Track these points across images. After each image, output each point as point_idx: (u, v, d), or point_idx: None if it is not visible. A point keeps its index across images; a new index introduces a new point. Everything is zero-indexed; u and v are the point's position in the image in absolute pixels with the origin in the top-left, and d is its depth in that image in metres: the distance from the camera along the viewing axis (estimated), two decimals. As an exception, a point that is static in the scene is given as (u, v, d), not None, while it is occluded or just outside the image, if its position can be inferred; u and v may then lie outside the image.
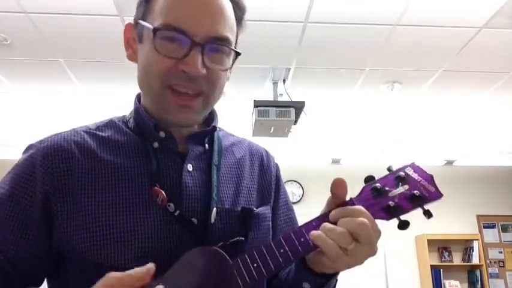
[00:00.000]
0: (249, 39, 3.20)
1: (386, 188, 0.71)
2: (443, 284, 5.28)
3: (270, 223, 0.84)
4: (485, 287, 5.28)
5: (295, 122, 3.43)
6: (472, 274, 5.40)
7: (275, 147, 4.74)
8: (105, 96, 3.81)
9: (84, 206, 0.70)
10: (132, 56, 0.80)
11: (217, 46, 0.73)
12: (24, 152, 0.76)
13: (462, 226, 5.51)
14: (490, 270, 5.42)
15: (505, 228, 5.67)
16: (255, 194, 0.85)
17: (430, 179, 0.71)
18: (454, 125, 4.54)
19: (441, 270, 5.31)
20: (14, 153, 4.42)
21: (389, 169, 0.73)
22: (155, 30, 0.71)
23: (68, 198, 0.70)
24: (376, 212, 0.69)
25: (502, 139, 4.94)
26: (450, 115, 4.28)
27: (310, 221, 0.70)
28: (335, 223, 0.66)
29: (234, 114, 4.13)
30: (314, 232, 0.66)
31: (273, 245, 0.68)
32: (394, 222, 0.70)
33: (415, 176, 0.71)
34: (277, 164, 0.95)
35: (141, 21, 0.76)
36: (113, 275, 0.60)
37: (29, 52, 3.09)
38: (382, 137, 4.89)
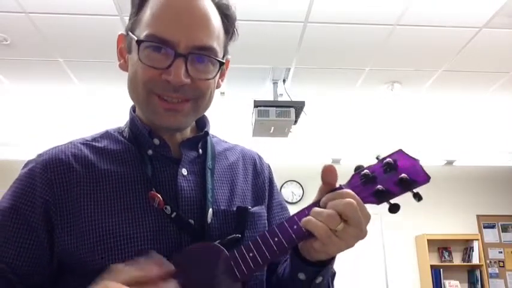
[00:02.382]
0: (249, 39, 3.21)
1: (375, 174, 0.72)
2: (443, 284, 5.28)
3: (266, 222, 0.86)
4: (485, 287, 5.29)
5: (295, 122, 3.43)
6: (472, 274, 5.40)
7: (275, 147, 4.75)
8: (105, 96, 3.81)
9: (83, 214, 0.72)
10: (124, 66, 0.83)
11: (201, 56, 0.73)
12: (24, 166, 0.79)
13: (462, 226, 5.52)
14: (490, 270, 5.42)
15: (505, 228, 5.67)
16: (249, 195, 0.87)
17: (417, 163, 0.72)
18: (454, 125, 4.55)
19: (441, 270, 5.32)
20: (14, 153, 4.41)
21: (377, 157, 0.75)
22: (139, 42, 0.73)
23: (67, 207, 0.72)
24: (366, 197, 0.71)
25: (502, 139, 4.95)
26: (450, 115, 4.28)
27: (303, 209, 0.72)
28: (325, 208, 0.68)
29: (234, 114, 4.13)
30: (304, 218, 0.68)
31: (267, 234, 0.70)
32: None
33: (402, 161, 0.73)
34: (269, 166, 0.98)
35: (129, 33, 0.78)
36: (115, 266, 0.63)
37: (29, 52, 3.09)
38: (382, 137, 4.89)
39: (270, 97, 3.57)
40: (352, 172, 0.77)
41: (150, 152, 0.79)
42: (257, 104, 3.34)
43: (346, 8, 2.65)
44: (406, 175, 0.70)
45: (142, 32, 0.73)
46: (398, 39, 2.96)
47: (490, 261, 5.48)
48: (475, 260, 5.32)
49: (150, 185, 0.75)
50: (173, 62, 0.71)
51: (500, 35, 2.90)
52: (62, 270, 0.73)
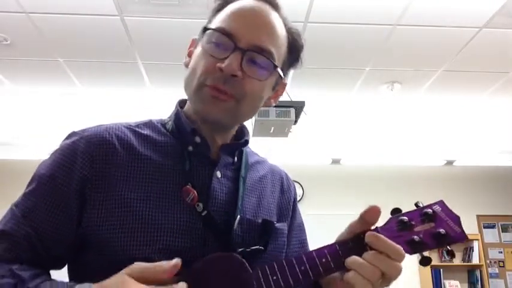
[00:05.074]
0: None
1: (412, 223, 0.72)
2: (443, 284, 5.28)
3: (286, 240, 0.87)
4: (485, 287, 5.29)
5: (295, 122, 3.43)
6: (472, 274, 5.40)
7: (275, 147, 4.74)
8: (105, 96, 3.81)
9: (118, 195, 0.73)
10: (187, 63, 0.85)
11: (258, 55, 0.76)
12: (67, 138, 0.80)
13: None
14: (490, 270, 5.42)
15: (505, 228, 5.67)
16: (274, 210, 0.88)
17: (456, 219, 0.72)
18: (454, 125, 4.54)
19: (441, 270, 5.32)
20: (14, 153, 4.41)
21: (416, 205, 0.74)
22: (205, 28, 0.79)
23: (103, 186, 0.73)
24: (400, 244, 0.69)
25: (502, 139, 4.95)
26: (450, 115, 4.28)
27: (334, 244, 0.71)
28: (365, 247, 0.68)
29: (234, 114, 4.13)
30: (349, 274, 0.67)
31: (294, 261, 0.69)
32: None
33: (442, 215, 0.72)
34: (295, 187, 1.01)
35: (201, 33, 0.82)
36: (138, 265, 0.63)
37: (29, 52, 3.09)
38: (382, 137, 4.89)
39: (270, 97, 3.57)
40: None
41: (190, 148, 0.80)
42: (257, 104, 3.34)
43: (346, 8, 2.65)
44: (444, 230, 0.70)
45: (210, 27, 0.79)
46: (399, 39, 2.96)
47: (490, 261, 5.48)
48: (475, 260, 5.32)
49: (186, 179, 0.76)
50: (230, 53, 0.74)
51: (500, 35, 2.90)
52: (83, 248, 0.73)
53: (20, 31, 2.83)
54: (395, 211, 0.74)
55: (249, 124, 3.65)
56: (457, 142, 5.05)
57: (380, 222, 0.73)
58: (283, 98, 3.68)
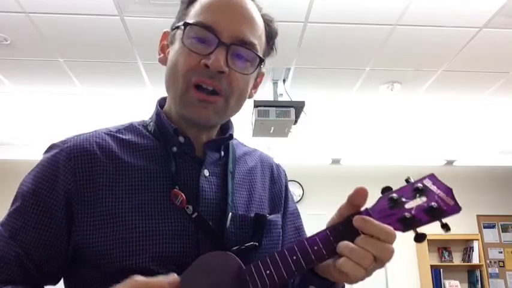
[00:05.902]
0: (249, 39, 3.20)
1: (403, 199, 0.69)
2: (443, 284, 5.28)
3: (281, 231, 0.85)
4: (485, 287, 5.29)
5: (295, 122, 3.43)
6: (472, 274, 5.41)
7: (275, 147, 4.74)
8: (105, 96, 3.81)
9: (105, 206, 0.71)
10: (163, 60, 0.83)
11: (242, 49, 0.75)
12: (47, 151, 0.77)
13: (462, 226, 5.51)
14: (490, 270, 5.42)
15: (505, 228, 5.67)
16: (266, 202, 0.87)
17: (449, 191, 0.69)
18: (454, 125, 4.54)
19: (441, 270, 5.32)
20: (14, 153, 4.40)
21: (407, 180, 0.71)
22: (186, 24, 0.75)
23: (89, 198, 0.71)
24: (392, 223, 0.67)
25: (502, 139, 4.94)
26: (450, 115, 4.28)
27: (325, 230, 0.69)
28: (356, 230, 0.66)
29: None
30: (341, 261, 0.65)
31: (286, 252, 0.68)
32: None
33: (433, 188, 0.69)
34: (285, 174, 0.98)
35: (176, 24, 0.80)
36: (138, 278, 0.61)
37: (29, 52, 3.09)
38: (382, 137, 4.89)
39: (270, 97, 3.56)
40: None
41: (174, 149, 0.79)
42: (257, 104, 3.34)
43: (346, 8, 2.65)
44: (436, 204, 0.67)
45: (189, 21, 0.76)
46: (399, 39, 2.96)
47: (490, 261, 5.49)
48: (475, 260, 5.32)
49: (173, 182, 0.75)
50: (215, 49, 0.73)
51: (500, 35, 2.90)
52: (77, 262, 0.72)
53: (20, 31, 2.83)
54: (386, 189, 0.71)
55: (249, 124, 3.65)
56: (457, 142, 5.05)
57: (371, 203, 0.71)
58: (283, 98, 3.65)
